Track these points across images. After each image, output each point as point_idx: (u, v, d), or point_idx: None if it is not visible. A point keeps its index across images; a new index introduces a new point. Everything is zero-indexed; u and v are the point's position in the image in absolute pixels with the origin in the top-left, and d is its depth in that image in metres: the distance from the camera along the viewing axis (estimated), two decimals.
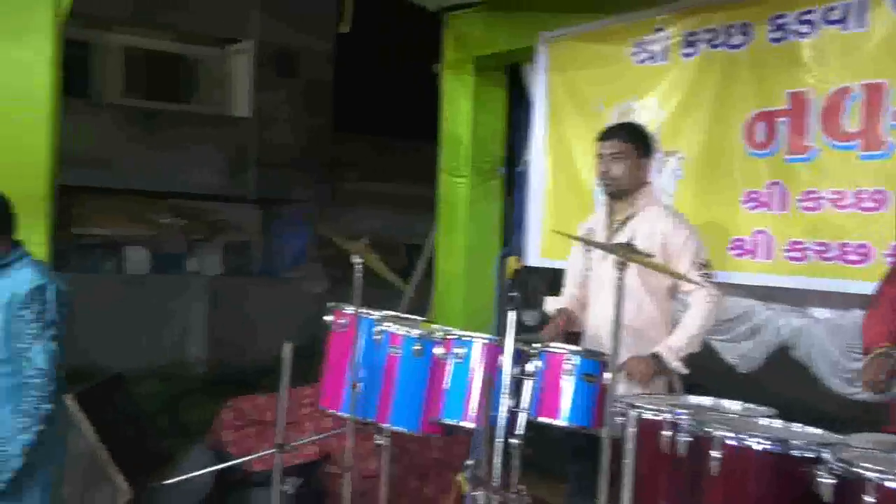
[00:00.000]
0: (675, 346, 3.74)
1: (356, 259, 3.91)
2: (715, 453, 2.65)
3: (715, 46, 5.10)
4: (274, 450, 3.91)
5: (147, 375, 9.99)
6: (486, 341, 3.57)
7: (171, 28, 15.28)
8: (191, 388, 10.33)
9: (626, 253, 3.10)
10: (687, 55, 5.27)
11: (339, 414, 3.95)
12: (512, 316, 3.24)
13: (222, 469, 4.57)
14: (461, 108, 6.97)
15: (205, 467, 4.53)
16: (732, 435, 2.67)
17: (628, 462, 2.96)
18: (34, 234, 4.38)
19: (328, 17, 14.05)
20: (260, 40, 15.44)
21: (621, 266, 3.05)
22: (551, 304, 3.98)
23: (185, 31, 15.40)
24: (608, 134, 4.03)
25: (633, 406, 3.02)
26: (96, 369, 8.77)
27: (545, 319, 4.13)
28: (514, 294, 3.27)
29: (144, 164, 14.34)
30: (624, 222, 3.93)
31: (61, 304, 3.14)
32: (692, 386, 3.83)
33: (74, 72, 13.56)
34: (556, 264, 5.17)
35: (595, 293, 4.02)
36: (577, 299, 4.14)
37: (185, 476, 4.33)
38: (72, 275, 13.60)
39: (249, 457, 4.55)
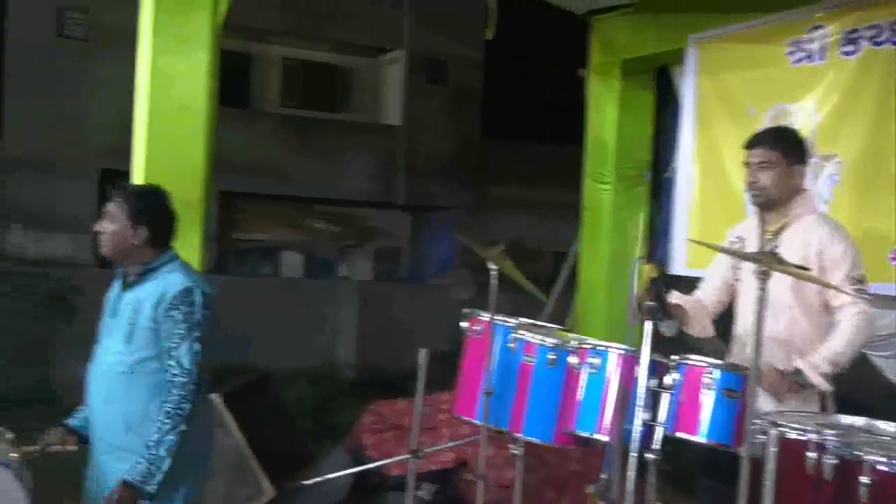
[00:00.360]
0: (817, 361, 3.51)
1: (491, 266, 3.88)
2: (864, 478, 2.48)
3: (878, 44, 4.79)
4: (409, 455, 3.92)
5: (297, 377, 10.27)
6: (621, 352, 3.46)
7: (327, 39, 15.72)
8: (338, 391, 10.55)
9: (771, 262, 2.94)
10: (847, 53, 4.98)
11: (473, 421, 3.92)
12: (648, 326, 3.13)
13: (360, 472, 4.62)
14: (607, 113, 6.83)
15: (343, 469, 4.60)
16: (884, 459, 2.48)
17: (769, 484, 2.79)
18: (190, 238, 4.56)
19: (477, 25, 14.16)
20: (411, 49, 15.68)
21: (764, 276, 2.89)
22: (674, 297, 3.79)
23: (340, 41, 15.83)
24: (754, 142, 3.83)
25: (776, 424, 2.85)
26: (250, 368, 9.10)
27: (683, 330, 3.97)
28: (651, 303, 3.16)
29: (300, 172, 14.82)
30: (777, 233, 3.72)
31: (207, 307, 3.23)
32: (849, 405, 3.60)
33: (234, 82, 14.25)
34: (705, 274, 4.95)
35: (743, 305, 3.84)
36: (700, 302, 3.96)
37: (323, 477, 4.40)
38: (231, 277, 14.29)
39: (386, 461, 4.58)
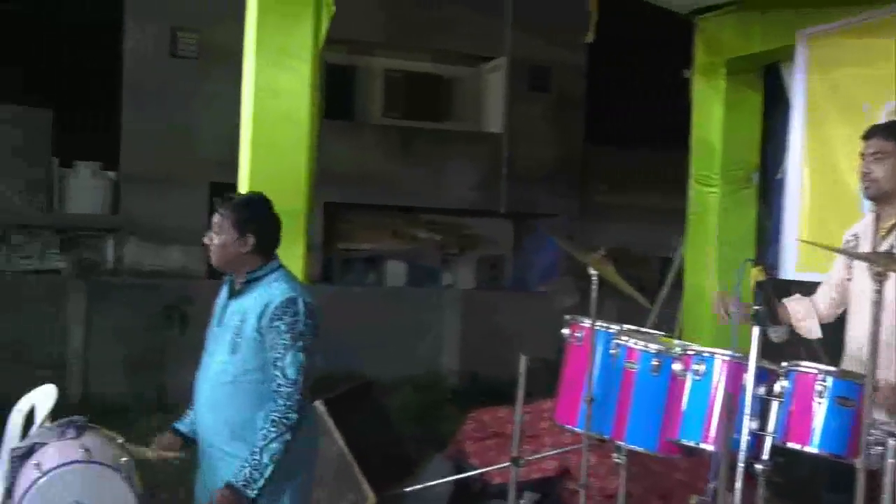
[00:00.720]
0: None
1: (592, 271, 3.82)
2: None
3: None
4: (510, 463, 3.89)
5: (401, 384, 10.33)
6: (727, 358, 3.34)
7: (428, 49, 15.84)
8: (441, 399, 10.56)
9: (887, 263, 2.79)
10: None
11: (575, 429, 3.85)
12: (756, 331, 3.02)
13: (462, 479, 4.61)
14: (713, 114, 6.67)
15: (444, 477, 4.58)
16: None
17: (887, 497, 2.65)
18: (294, 248, 4.64)
19: (578, 30, 14.04)
20: (512, 57, 15.65)
21: (879, 277, 2.75)
22: (788, 299, 3.65)
23: (441, 51, 15.93)
24: (870, 132, 3.68)
25: (894, 435, 2.70)
26: (354, 376, 9.20)
27: (794, 336, 3.82)
28: (759, 308, 3.05)
29: (403, 181, 14.96)
30: (890, 230, 3.55)
31: (310, 317, 3.25)
32: None
33: (338, 95, 14.51)
34: (816, 277, 4.75)
35: (856, 307, 3.66)
36: (813, 304, 3.79)
37: (425, 485, 4.39)
38: (336, 286, 14.52)
39: (488, 468, 4.55)
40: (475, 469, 4.97)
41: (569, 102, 15.93)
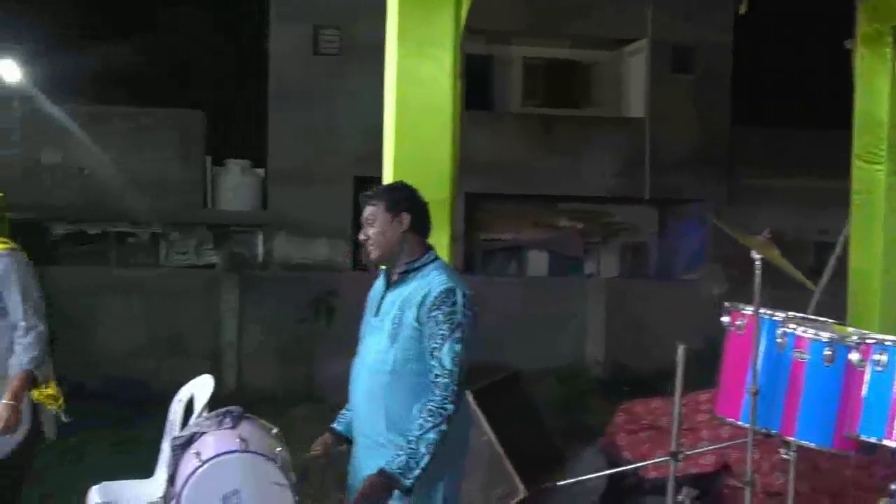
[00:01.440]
0: None
1: (755, 255, 3.59)
2: None
3: None
4: (668, 457, 3.72)
5: (545, 375, 10.21)
6: None
7: (566, 35, 15.63)
8: (587, 390, 10.40)
9: None
10: None
11: (738, 423, 3.64)
12: None
13: (615, 473, 4.46)
14: (879, 86, 6.24)
15: (597, 470, 4.45)
16: None
17: None
18: (439, 237, 4.60)
19: (725, 7, 13.53)
20: (654, 39, 15.26)
21: None
22: None
23: (580, 37, 15.69)
24: None
25: None
26: (498, 367, 9.15)
27: None
28: None
29: (543, 170, 14.82)
30: None
31: (468, 308, 3.18)
32: None
33: (478, 85, 14.50)
34: None
35: None
36: None
37: (579, 478, 4.27)
38: (478, 277, 14.51)
39: (643, 463, 4.39)
40: (627, 462, 4.81)
41: (714, 83, 15.39)
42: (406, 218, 3.26)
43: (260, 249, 15.55)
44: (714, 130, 15.29)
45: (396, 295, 3.25)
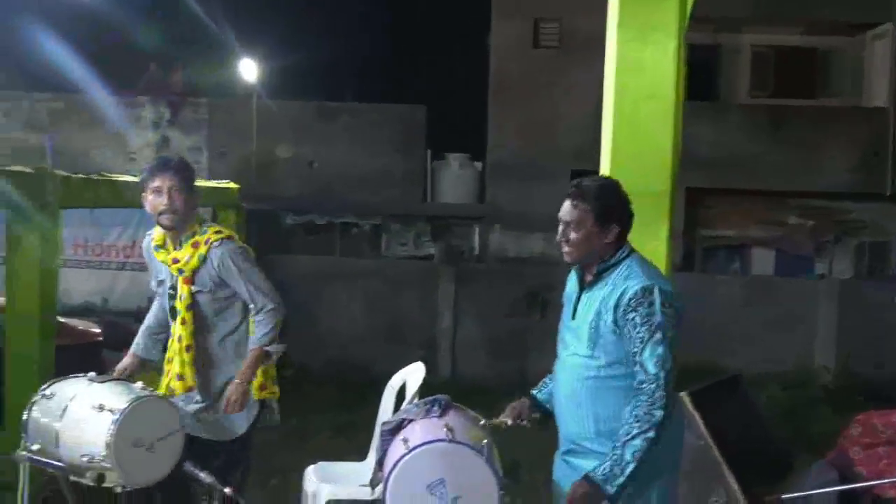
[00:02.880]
0: None
1: None
2: None
3: None
4: None
5: (767, 380, 9.69)
6: None
7: (800, 21, 14.78)
8: (814, 398, 9.77)
9: None
10: None
11: None
12: None
13: (848, 490, 4.11)
14: None
15: (826, 485, 4.12)
16: None
17: None
18: (657, 232, 4.42)
19: None
20: None
21: None
22: None
23: (815, 22, 14.79)
24: None
25: None
26: (718, 369, 8.76)
27: None
28: None
29: (771, 164, 14.11)
30: None
31: (667, 306, 2.97)
32: None
33: (701, 75, 13.98)
34: None
35: None
36: None
37: (807, 492, 3.96)
38: (698, 275, 14.00)
39: (881, 481, 4.02)
40: (862, 479, 4.43)
41: None
42: (615, 230, 3.10)
43: (476, 242, 15.75)
44: None
45: (592, 297, 3.10)
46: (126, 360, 3.92)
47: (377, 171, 15.38)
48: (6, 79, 14.19)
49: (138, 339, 4.02)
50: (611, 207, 3.12)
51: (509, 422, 3.28)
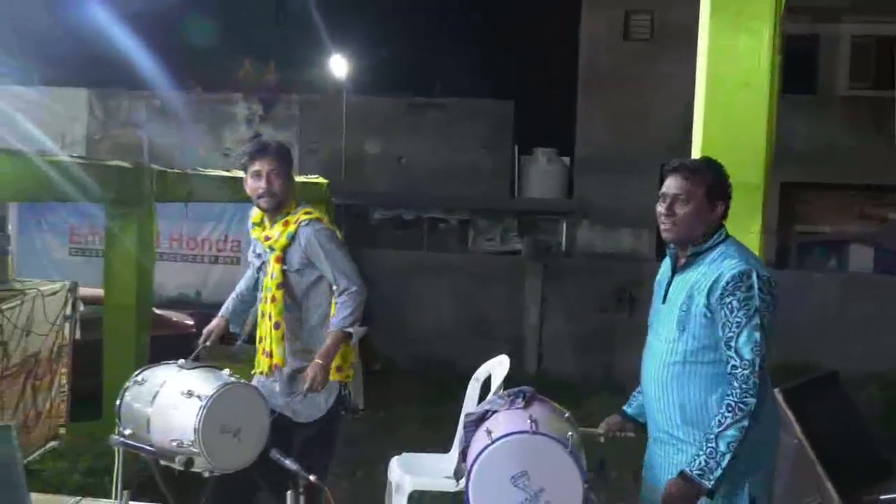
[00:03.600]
0: None
1: None
2: None
3: None
4: None
5: (866, 380, 9.37)
6: None
7: None
8: None
9: None
10: None
11: None
12: None
13: None
14: None
15: None
16: None
17: None
18: (749, 225, 4.31)
19: None
20: None
21: None
22: None
23: None
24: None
25: None
26: (813, 368, 8.50)
27: None
28: None
29: (870, 157, 13.63)
30: None
31: (765, 292, 2.86)
32: None
33: (799, 67, 13.58)
34: None
35: None
36: None
37: None
38: (793, 271, 13.61)
39: None
40: None
41: None
42: (721, 208, 3.01)
43: (563, 237, 15.62)
44: None
45: (684, 280, 3.01)
46: (214, 322, 4.03)
47: (465, 166, 15.39)
48: (106, 77, 14.69)
49: (227, 303, 4.12)
50: (721, 182, 3.04)
51: (601, 435, 3.25)
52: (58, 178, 6.49)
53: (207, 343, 3.88)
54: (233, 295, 4.15)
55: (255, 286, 4.07)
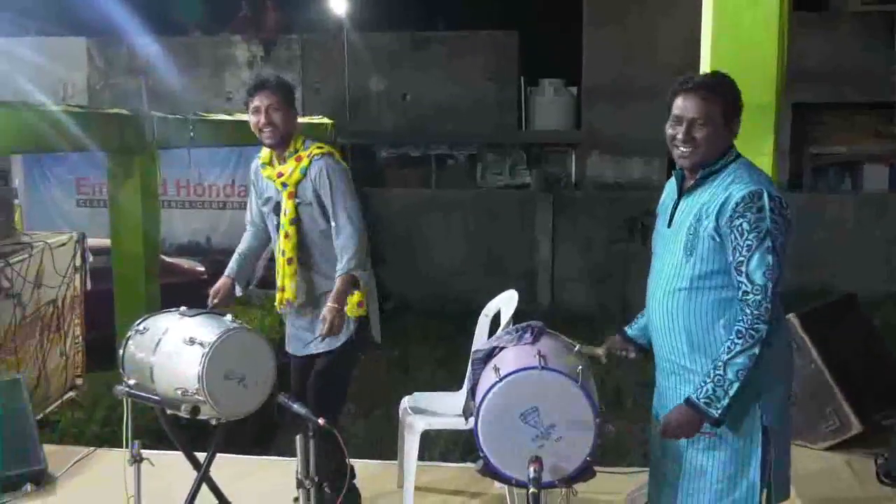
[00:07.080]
0: None
1: None
2: None
3: None
4: None
5: (881, 300, 9.29)
6: None
7: None
8: None
9: None
10: None
11: None
12: None
13: None
14: None
15: None
16: None
17: None
18: (760, 147, 4.19)
19: None
20: None
21: None
22: None
23: None
24: None
25: None
26: (829, 291, 8.41)
27: None
28: None
29: (885, 75, 13.33)
30: None
31: (777, 213, 2.72)
32: None
33: None
34: None
35: None
36: None
37: None
38: (807, 194, 13.45)
39: None
40: None
41: None
42: (735, 129, 2.85)
43: (573, 169, 15.45)
44: None
45: (692, 202, 2.87)
46: (220, 282, 4.01)
47: (471, 100, 15.17)
48: (103, 24, 14.47)
49: (232, 263, 4.11)
50: (736, 99, 2.87)
51: (602, 355, 3.15)
52: (58, 128, 6.41)
53: (216, 301, 3.86)
54: (235, 255, 4.14)
55: (265, 233, 4.09)
